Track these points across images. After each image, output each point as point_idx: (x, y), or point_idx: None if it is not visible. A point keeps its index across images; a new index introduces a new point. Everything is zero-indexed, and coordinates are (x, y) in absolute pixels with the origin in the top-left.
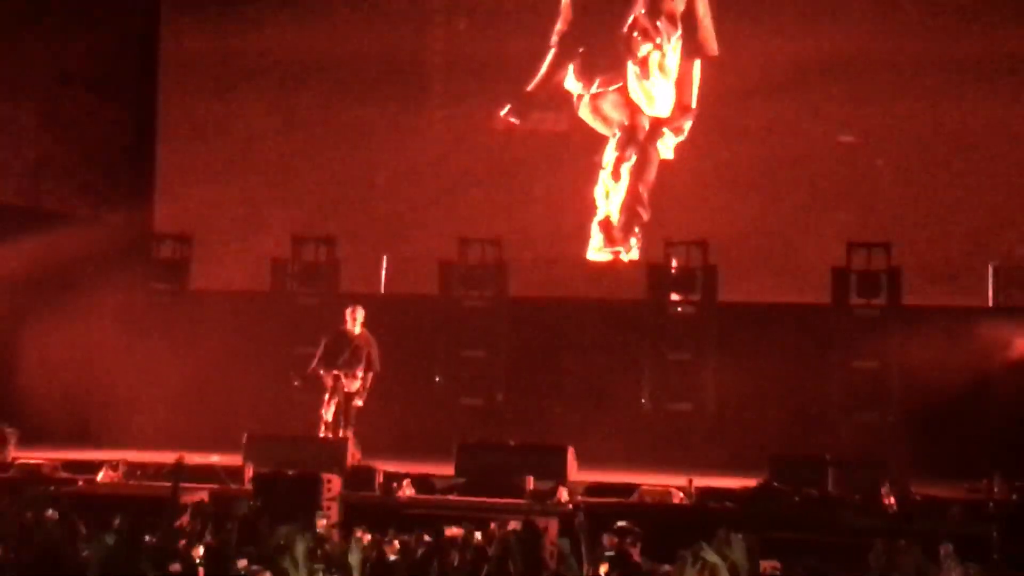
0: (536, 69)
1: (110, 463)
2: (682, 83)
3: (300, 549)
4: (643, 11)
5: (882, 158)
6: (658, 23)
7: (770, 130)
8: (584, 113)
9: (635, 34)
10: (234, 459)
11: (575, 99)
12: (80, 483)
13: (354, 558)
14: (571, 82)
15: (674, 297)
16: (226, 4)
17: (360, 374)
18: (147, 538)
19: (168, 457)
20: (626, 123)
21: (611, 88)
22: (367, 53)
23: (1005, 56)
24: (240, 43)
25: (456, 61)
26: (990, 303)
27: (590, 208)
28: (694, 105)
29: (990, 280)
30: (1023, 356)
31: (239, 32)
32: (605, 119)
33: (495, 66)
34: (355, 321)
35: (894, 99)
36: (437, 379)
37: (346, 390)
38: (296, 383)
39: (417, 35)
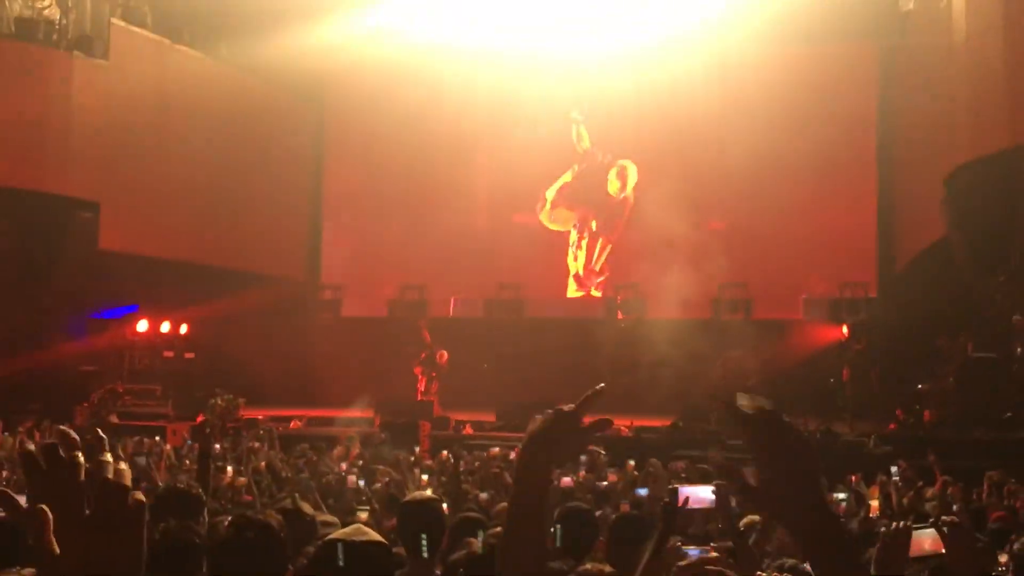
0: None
1: (298, 417)
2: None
3: (408, 461)
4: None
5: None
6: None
7: (670, 227)
8: (543, 218)
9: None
10: (368, 412)
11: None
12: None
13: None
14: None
15: (621, 316)
16: None
17: (438, 362)
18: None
19: (329, 412)
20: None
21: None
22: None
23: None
24: None
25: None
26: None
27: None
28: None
29: (801, 306)
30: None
31: None
32: (561, 220)
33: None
34: (427, 337)
35: (735, 198)
36: (485, 366)
37: (432, 372)
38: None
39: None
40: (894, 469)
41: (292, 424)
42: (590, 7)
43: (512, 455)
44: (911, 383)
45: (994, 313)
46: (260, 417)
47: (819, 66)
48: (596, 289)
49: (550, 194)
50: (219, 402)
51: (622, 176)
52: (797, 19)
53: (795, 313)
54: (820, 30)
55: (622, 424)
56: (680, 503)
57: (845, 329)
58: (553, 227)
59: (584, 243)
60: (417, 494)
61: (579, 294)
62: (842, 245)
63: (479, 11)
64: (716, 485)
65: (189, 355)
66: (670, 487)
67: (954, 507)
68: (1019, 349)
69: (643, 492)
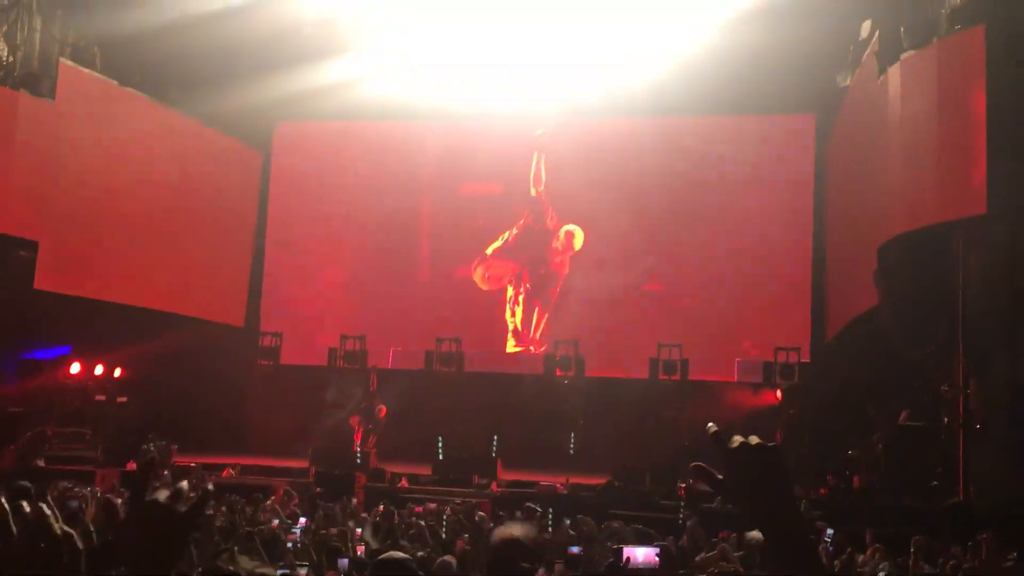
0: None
1: (231, 465)
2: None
3: (341, 514)
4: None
5: (679, 299)
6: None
7: (609, 287)
8: (477, 278)
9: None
10: (303, 462)
11: (472, 269)
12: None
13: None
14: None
15: (559, 373)
16: None
17: (376, 415)
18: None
19: (264, 461)
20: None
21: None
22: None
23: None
24: None
25: (440, 232)
26: (735, 380)
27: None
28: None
29: (735, 368)
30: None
31: None
32: (498, 277)
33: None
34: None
35: (673, 260)
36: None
37: (369, 424)
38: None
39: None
40: (830, 531)
41: (225, 472)
42: (539, 71)
43: (447, 512)
44: (843, 449)
45: (923, 383)
46: (193, 464)
47: (759, 135)
48: (535, 346)
49: (490, 250)
50: (152, 448)
51: (568, 241)
52: (738, 89)
53: (730, 376)
54: (760, 101)
55: (557, 481)
56: (623, 563)
57: (779, 393)
58: (484, 287)
59: (521, 299)
60: (393, 554)
61: (518, 349)
62: (777, 310)
63: (430, 69)
64: (659, 547)
65: (122, 399)
66: (614, 547)
67: (881, 573)
68: (946, 419)
69: (576, 550)
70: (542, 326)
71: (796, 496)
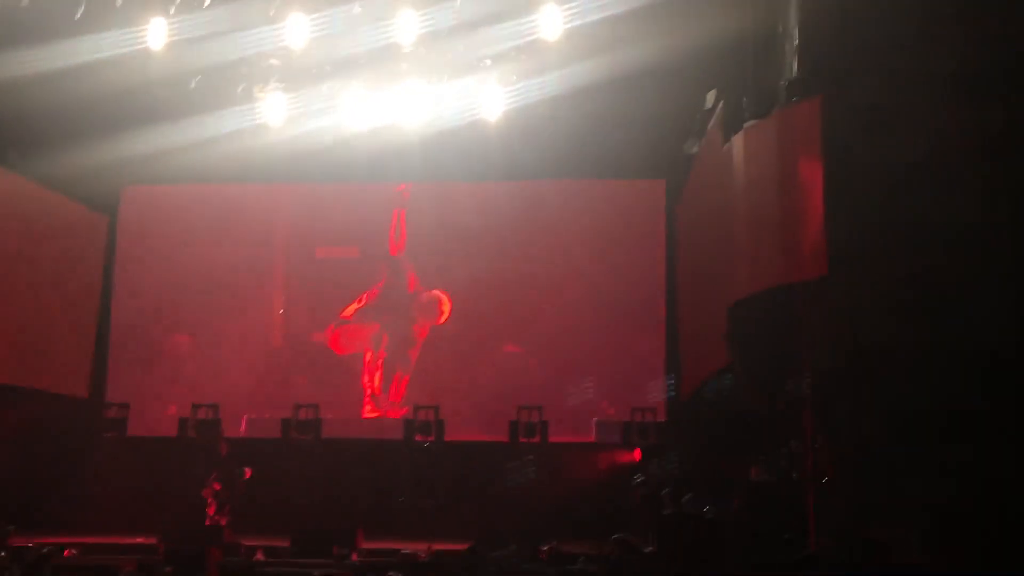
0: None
1: (73, 545)
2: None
3: None
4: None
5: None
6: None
7: (468, 349)
8: (333, 343)
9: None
10: (151, 539)
11: (328, 332)
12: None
13: None
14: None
15: (419, 438)
16: None
17: (240, 479)
18: None
19: (109, 539)
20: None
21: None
22: None
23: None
24: None
25: (295, 297)
26: (593, 440)
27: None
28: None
29: (594, 429)
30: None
31: None
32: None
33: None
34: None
35: (531, 323)
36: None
37: (226, 494)
38: None
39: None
40: None
41: (66, 553)
42: (395, 131)
43: None
44: (700, 507)
45: (774, 440)
46: (31, 545)
47: (612, 199)
48: (393, 412)
49: (347, 312)
50: None
51: (433, 308)
52: (591, 155)
53: (588, 436)
54: (611, 167)
55: (420, 548)
56: None
57: (637, 453)
58: (340, 351)
59: (381, 362)
60: None
61: (375, 415)
62: (633, 370)
63: (284, 126)
64: None
65: None
66: None
67: None
68: (794, 475)
69: None
70: (401, 389)
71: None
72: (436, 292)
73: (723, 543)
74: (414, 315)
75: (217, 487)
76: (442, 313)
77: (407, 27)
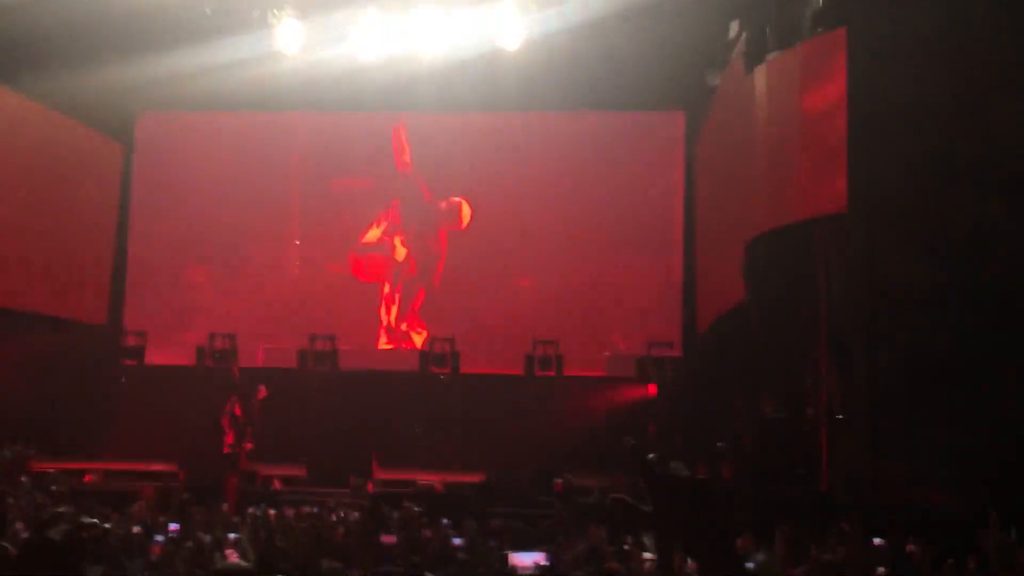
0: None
1: (93, 470)
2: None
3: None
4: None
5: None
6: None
7: (482, 282)
8: (355, 269)
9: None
10: (170, 466)
11: (350, 259)
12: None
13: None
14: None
15: (434, 369)
16: None
17: (254, 399)
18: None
19: (129, 465)
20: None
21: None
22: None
23: None
24: None
25: (312, 226)
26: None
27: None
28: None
29: (607, 363)
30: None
31: None
32: (372, 274)
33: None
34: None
35: (545, 256)
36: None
37: (242, 423)
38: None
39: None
40: None
41: (87, 478)
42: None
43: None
44: (713, 441)
45: (788, 376)
46: (52, 470)
47: (629, 132)
48: (406, 344)
49: (367, 238)
50: (6, 453)
51: (455, 213)
52: (608, 86)
53: (603, 370)
54: (630, 98)
55: (435, 480)
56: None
57: (653, 388)
58: (362, 279)
59: (397, 297)
60: (229, 565)
61: (389, 347)
62: (649, 306)
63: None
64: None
65: None
66: (501, 553)
67: (750, 564)
68: (810, 411)
69: (458, 542)
70: (416, 320)
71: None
72: (454, 199)
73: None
74: (435, 222)
75: (235, 415)
76: (462, 218)
77: None
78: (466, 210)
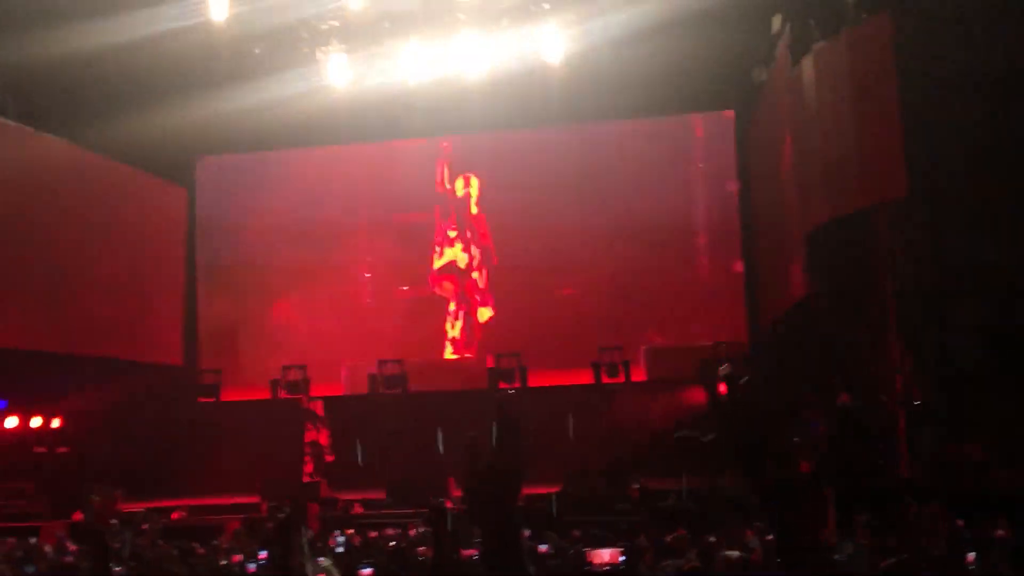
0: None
1: (180, 507)
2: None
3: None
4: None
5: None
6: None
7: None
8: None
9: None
10: (253, 498)
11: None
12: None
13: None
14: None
15: (503, 385)
16: None
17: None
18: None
19: (214, 500)
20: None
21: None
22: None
23: None
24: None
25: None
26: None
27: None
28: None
29: (675, 363)
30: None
31: None
32: (443, 291)
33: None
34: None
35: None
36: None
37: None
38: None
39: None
40: None
41: (174, 515)
42: (457, 85)
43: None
44: (785, 436)
45: (860, 365)
46: (141, 510)
47: (679, 135)
48: (470, 351)
49: (437, 265)
50: (95, 498)
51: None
52: (652, 92)
53: (670, 372)
54: (678, 102)
55: None
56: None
57: (722, 387)
58: (446, 296)
59: (462, 312)
60: None
61: (454, 356)
62: (714, 304)
63: (346, 88)
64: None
65: (62, 449)
66: (582, 549)
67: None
68: (885, 399)
69: (544, 547)
70: (473, 335)
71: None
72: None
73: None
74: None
75: (310, 444)
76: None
77: None
78: (474, 184)
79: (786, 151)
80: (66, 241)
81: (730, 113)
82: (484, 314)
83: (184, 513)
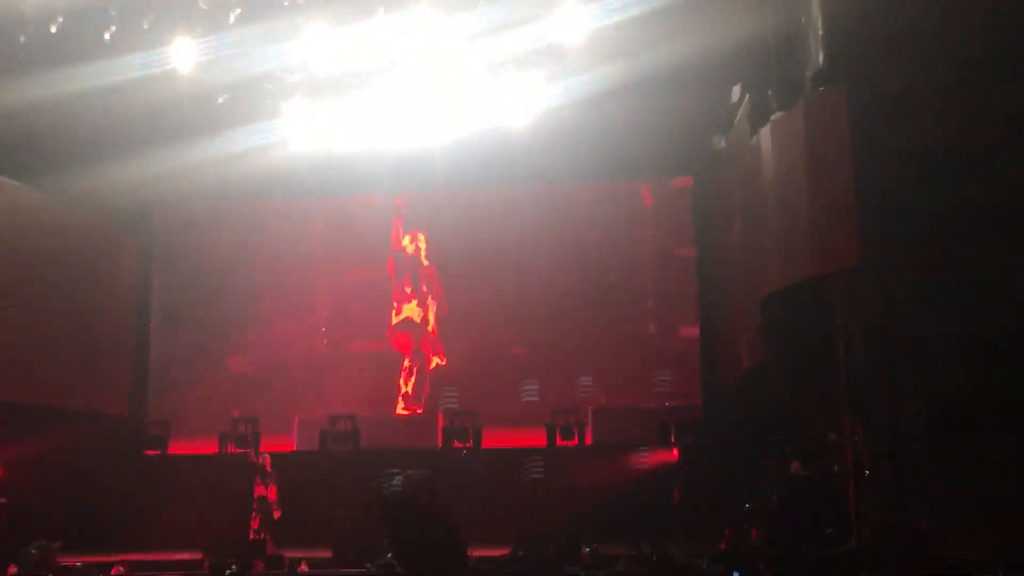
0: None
1: (120, 563)
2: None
3: None
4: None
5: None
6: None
7: (488, 353)
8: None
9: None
10: (196, 554)
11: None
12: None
13: None
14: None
15: (457, 444)
16: None
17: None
18: None
19: (155, 555)
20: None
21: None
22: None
23: None
24: None
25: (333, 309)
26: (628, 440)
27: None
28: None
29: (628, 428)
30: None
31: None
32: (399, 347)
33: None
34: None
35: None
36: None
37: (267, 507)
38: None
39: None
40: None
41: (114, 570)
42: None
43: None
44: (739, 503)
45: (811, 434)
46: (79, 564)
47: (637, 199)
48: (418, 409)
49: (394, 319)
50: (33, 551)
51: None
52: (615, 155)
53: (626, 436)
54: (637, 165)
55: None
56: None
57: (676, 452)
58: (403, 351)
59: (415, 368)
60: None
61: (406, 412)
62: (668, 368)
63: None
64: None
65: (0, 500)
66: None
67: None
68: (836, 467)
69: None
70: (423, 394)
71: None
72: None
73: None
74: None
75: (258, 500)
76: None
77: (428, 38)
78: (421, 239)
79: (743, 217)
80: (17, 287)
81: (688, 180)
82: (435, 369)
83: (124, 568)
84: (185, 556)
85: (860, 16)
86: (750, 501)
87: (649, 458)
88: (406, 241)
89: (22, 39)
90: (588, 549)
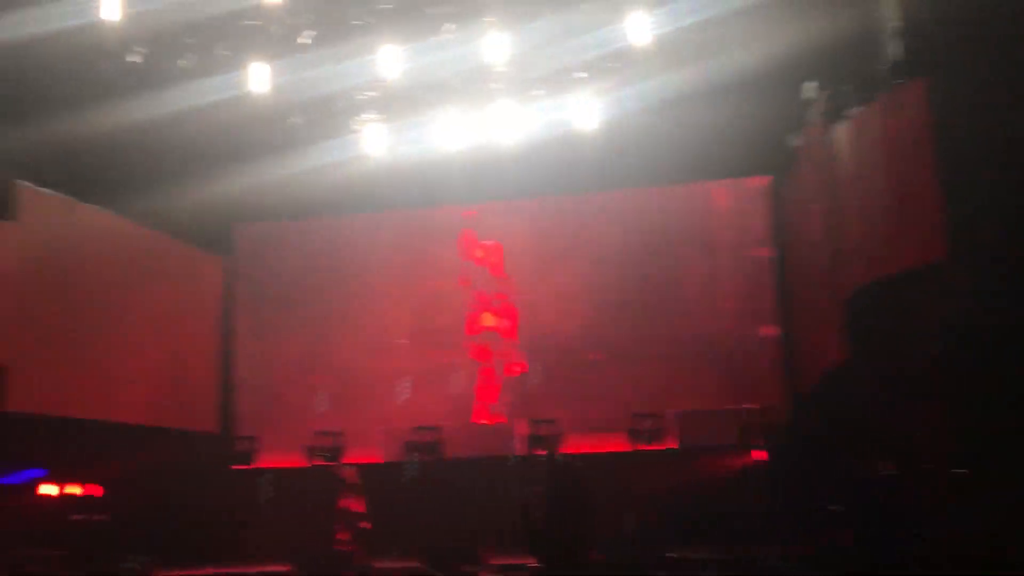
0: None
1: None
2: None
3: None
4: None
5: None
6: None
7: (575, 362)
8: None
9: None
10: (284, 567)
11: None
12: None
13: None
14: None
15: (539, 452)
16: None
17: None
18: None
19: (246, 568)
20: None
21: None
22: None
23: None
24: None
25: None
26: (714, 443)
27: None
28: None
29: (711, 431)
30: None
31: None
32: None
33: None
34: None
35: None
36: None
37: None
38: None
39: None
40: None
41: None
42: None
43: None
44: (823, 505)
45: (900, 433)
46: None
47: (713, 201)
48: (497, 418)
49: (471, 329)
50: (131, 566)
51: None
52: (686, 158)
53: (708, 439)
54: (713, 167)
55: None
56: None
57: (760, 454)
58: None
59: (494, 378)
60: None
61: (487, 422)
62: (751, 370)
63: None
64: None
65: (100, 517)
66: None
67: None
68: (926, 468)
69: None
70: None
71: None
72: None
73: None
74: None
75: (345, 512)
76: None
77: (497, 47)
78: (497, 250)
79: (822, 215)
80: (107, 310)
81: (764, 180)
82: (516, 377)
83: None
84: (274, 568)
85: (938, 7)
86: (838, 503)
87: (734, 461)
88: (480, 253)
89: (103, 67)
90: (673, 553)
